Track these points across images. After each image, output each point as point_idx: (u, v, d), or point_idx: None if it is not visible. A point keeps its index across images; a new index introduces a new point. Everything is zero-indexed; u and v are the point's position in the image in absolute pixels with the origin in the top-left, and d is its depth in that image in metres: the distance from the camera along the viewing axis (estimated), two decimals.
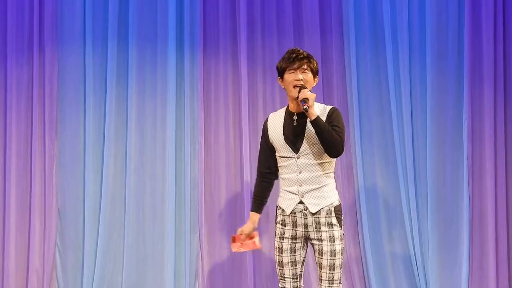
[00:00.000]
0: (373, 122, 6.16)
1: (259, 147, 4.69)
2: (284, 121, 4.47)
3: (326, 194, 4.41)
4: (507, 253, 6.13)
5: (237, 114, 6.12)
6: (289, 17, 6.13)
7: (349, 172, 6.16)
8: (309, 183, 4.39)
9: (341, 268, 4.40)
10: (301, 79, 4.38)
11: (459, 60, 6.18)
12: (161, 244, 6.03)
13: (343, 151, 4.37)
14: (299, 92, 4.33)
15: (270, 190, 4.63)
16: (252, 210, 4.63)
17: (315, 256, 4.43)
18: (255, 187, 4.64)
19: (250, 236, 4.59)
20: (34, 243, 6.02)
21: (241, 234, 4.56)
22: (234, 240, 4.55)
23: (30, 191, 6.04)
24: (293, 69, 4.39)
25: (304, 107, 4.22)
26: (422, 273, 6.09)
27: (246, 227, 4.58)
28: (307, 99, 4.26)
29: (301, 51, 4.46)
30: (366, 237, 6.09)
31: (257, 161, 4.55)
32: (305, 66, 4.40)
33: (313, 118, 4.27)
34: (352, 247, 6.12)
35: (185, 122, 6.08)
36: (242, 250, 4.54)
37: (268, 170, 4.57)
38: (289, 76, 4.40)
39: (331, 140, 4.29)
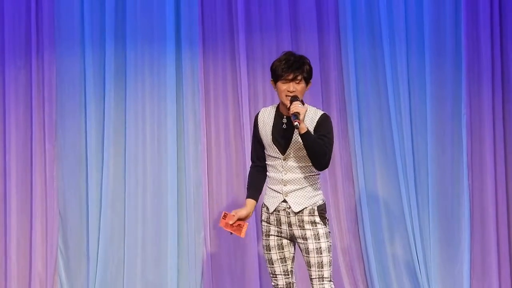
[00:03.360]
0: (372, 120, 6.15)
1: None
2: (274, 121, 4.47)
3: (310, 194, 4.41)
4: (509, 248, 6.11)
5: (237, 113, 6.13)
6: (286, 16, 6.13)
7: (348, 171, 6.15)
8: (293, 184, 4.40)
9: (330, 265, 4.39)
10: (294, 90, 4.37)
11: (457, 55, 6.17)
12: (164, 245, 6.04)
13: (328, 165, 4.38)
14: (290, 103, 4.33)
15: (264, 179, 4.57)
16: (248, 197, 4.56)
17: (302, 255, 4.43)
18: (249, 175, 4.61)
19: (239, 222, 4.46)
20: (36, 247, 6.04)
21: (234, 215, 4.46)
22: (225, 216, 4.46)
23: (31, 194, 6.06)
24: (287, 80, 4.37)
25: (295, 123, 4.22)
26: (424, 269, 6.07)
27: (241, 211, 4.47)
28: (298, 113, 4.25)
29: (297, 57, 4.40)
30: (367, 235, 6.07)
31: None
32: (299, 77, 4.36)
33: (303, 132, 4.27)
34: (353, 245, 6.11)
35: (185, 123, 6.09)
36: (227, 229, 4.47)
37: (258, 163, 4.57)
38: (282, 85, 4.38)
39: (319, 154, 4.31)
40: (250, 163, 5.85)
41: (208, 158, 6.14)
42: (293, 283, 4.52)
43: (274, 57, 5.98)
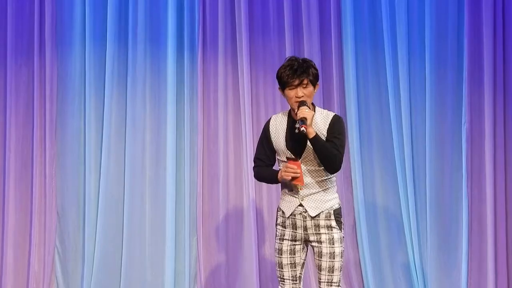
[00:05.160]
0: (372, 125, 6.16)
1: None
2: (286, 127, 4.46)
3: (326, 198, 4.41)
4: (506, 256, 6.13)
5: (237, 116, 6.13)
6: (288, 20, 6.14)
7: (347, 176, 6.15)
8: (309, 187, 4.39)
9: (340, 270, 4.41)
10: (302, 95, 4.37)
11: (459, 63, 6.18)
12: (161, 246, 6.04)
13: (340, 167, 4.38)
14: (297, 108, 4.33)
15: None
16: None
17: (314, 258, 4.43)
18: (258, 171, 4.51)
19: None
20: (34, 246, 6.03)
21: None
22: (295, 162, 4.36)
23: (31, 193, 6.06)
24: (293, 86, 4.36)
25: (302, 129, 4.22)
26: (421, 276, 6.09)
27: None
28: (305, 118, 4.26)
29: (300, 61, 4.39)
30: (364, 241, 6.08)
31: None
32: (306, 81, 4.36)
33: (311, 136, 4.28)
34: (351, 250, 6.12)
35: (184, 125, 6.09)
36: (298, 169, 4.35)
37: (267, 163, 4.52)
38: (290, 92, 4.38)
39: (329, 158, 4.31)
40: (248, 166, 5.98)
41: (204, 161, 6.12)
42: None
43: (276, 61, 6.08)
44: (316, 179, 4.40)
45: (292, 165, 4.32)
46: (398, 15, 6.17)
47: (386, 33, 6.15)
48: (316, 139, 4.29)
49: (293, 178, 4.33)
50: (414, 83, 6.19)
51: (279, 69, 4.42)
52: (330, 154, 4.31)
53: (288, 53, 5.98)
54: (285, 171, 4.33)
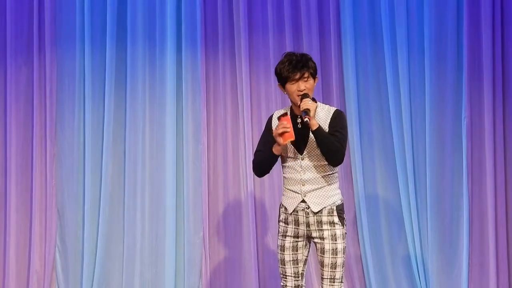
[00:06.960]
0: (372, 123, 6.16)
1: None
2: None
3: (329, 194, 4.42)
4: (507, 253, 6.14)
5: (238, 114, 6.12)
6: (288, 18, 6.14)
7: (348, 173, 6.15)
8: (312, 183, 4.40)
9: (343, 267, 4.42)
10: (304, 89, 4.38)
11: (458, 60, 6.19)
12: (162, 244, 6.03)
13: (343, 160, 4.40)
14: (301, 101, 4.34)
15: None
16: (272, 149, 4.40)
17: (317, 254, 4.44)
18: (256, 159, 4.49)
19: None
20: (34, 244, 6.04)
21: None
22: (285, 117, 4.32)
23: (31, 192, 6.05)
24: (294, 80, 4.38)
25: (305, 119, 4.25)
26: (422, 272, 6.09)
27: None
28: (308, 109, 4.28)
29: (298, 56, 4.42)
30: (366, 237, 6.08)
31: None
32: (307, 75, 4.39)
33: (314, 128, 4.30)
34: (352, 247, 6.12)
35: (185, 123, 6.08)
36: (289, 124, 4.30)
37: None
38: (291, 87, 4.39)
39: (332, 150, 4.33)
40: (247, 163, 5.98)
41: (207, 159, 6.12)
42: (301, 286, 4.52)
43: (275, 59, 6.07)
44: (320, 174, 4.41)
45: (282, 121, 4.28)
46: (398, 12, 6.17)
47: (385, 31, 6.15)
48: (318, 131, 4.30)
49: (283, 134, 4.26)
50: (413, 78, 6.19)
51: (278, 65, 4.45)
52: (332, 147, 4.32)
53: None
54: (276, 128, 4.30)
